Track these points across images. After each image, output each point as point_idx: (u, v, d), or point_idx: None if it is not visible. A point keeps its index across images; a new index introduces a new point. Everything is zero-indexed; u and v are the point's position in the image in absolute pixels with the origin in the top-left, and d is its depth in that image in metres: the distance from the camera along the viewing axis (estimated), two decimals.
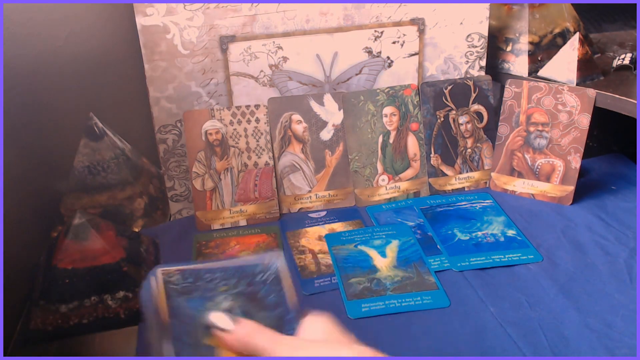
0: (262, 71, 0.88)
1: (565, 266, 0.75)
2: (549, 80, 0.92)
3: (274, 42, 0.86)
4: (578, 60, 0.90)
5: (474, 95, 0.93)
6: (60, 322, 0.67)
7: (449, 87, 0.92)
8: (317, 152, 0.90)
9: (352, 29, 0.88)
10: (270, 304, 0.43)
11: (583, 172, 0.92)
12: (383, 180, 0.91)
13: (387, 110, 0.91)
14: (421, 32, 0.90)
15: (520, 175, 0.92)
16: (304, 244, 0.82)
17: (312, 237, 0.84)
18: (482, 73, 0.95)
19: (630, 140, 0.99)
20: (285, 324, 0.42)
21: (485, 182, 0.95)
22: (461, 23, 0.91)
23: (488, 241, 0.81)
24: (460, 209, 0.88)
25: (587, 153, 0.91)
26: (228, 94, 0.88)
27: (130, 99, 0.95)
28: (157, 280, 0.41)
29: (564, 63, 0.91)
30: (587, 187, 0.92)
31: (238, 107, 0.87)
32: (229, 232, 0.86)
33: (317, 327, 0.40)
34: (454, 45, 0.92)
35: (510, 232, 0.82)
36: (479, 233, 0.82)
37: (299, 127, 0.89)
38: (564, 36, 0.98)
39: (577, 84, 0.90)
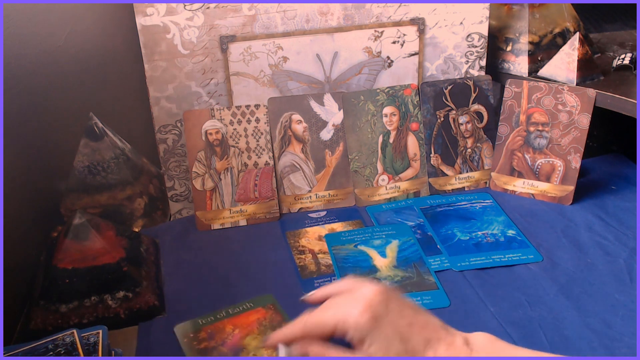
0: (262, 71, 0.88)
1: (565, 266, 0.75)
2: (549, 80, 0.92)
3: (274, 42, 0.86)
4: (578, 60, 0.90)
5: (474, 95, 0.93)
6: (60, 322, 0.67)
7: (449, 87, 0.92)
8: (317, 152, 0.90)
9: (352, 29, 0.88)
10: None
11: (583, 172, 0.92)
12: (383, 180, 0.91)
13: (387, 110, 0.91)
14: (421, 32, 0.90)
15: (520, 175, 0.92)
16: (304, 244, 0.82)
17: (312, 237, 0.84)
18: (482, 73, 0.95)
19: (630, 140, 0.99)
20: None
21: (485, 182, 0.95)
22: (461, 23, 0.91)
23: (488, 241, 0.81)
24: (460, 209, 0.88)
25: (587, 153, 0.91)
26: (228, 94, 0.88)
27: (130, 99, 0.95)
28: None
29: (564, 63, 0.91)
30: (587, 187, 0.92)
31: (238, 107, 0.87)
32: (217, 314, 0.67)
33: None
34: (454, 45, 0.92)
35: (510, 232, 0.82)
36: (479, 233, 0.82)
37: (299, 127, 0.89)
38: (564, 36, 0.98)
39: (577, 84, 0.90)
